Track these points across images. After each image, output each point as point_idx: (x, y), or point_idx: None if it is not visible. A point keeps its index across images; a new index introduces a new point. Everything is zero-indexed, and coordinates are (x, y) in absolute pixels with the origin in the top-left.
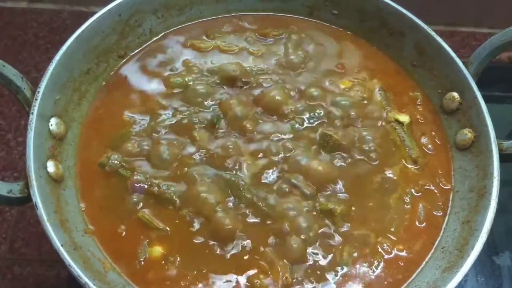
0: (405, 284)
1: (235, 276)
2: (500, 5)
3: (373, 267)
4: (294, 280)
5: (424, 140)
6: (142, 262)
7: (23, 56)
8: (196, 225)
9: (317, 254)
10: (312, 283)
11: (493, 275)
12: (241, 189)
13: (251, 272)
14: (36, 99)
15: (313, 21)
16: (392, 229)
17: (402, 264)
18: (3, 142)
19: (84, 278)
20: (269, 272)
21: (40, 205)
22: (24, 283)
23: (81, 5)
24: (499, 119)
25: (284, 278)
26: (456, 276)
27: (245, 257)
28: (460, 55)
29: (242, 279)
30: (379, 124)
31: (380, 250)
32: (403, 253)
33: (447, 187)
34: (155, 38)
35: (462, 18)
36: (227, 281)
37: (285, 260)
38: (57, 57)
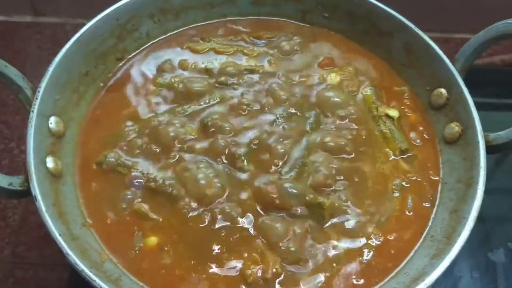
0: (395, 272)
1: (228, 266)
2: (494, 12)
3: (364, 256)
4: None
5: (412, 135)
6: (137, 252)
7: (25, 68)
8: (192, 216)
9: (309, 244)
10: (304, 272)
11: (488, 272)
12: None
13: (243, 262)
14: (36, 98)
15: (305, 25)
16: (383, 220)
17: (392, 252)
18: (6, 151)
19: (81, 265)
20: (260, 263)
21: (39, 197)
22: (26, 287)
23: (83, 18)
24: (491, 122)
25: (274, 269)
26: (444, 261)
27: (238, 249)
28: (453, 60)
29: (235, 269)
30: (369, 118)
31: (371, 239)
32: (394, 242)
33: (435, 179)
34: (152, 42)
35: (457, 25)
36: (220, 270)
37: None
38: (57, 59)
